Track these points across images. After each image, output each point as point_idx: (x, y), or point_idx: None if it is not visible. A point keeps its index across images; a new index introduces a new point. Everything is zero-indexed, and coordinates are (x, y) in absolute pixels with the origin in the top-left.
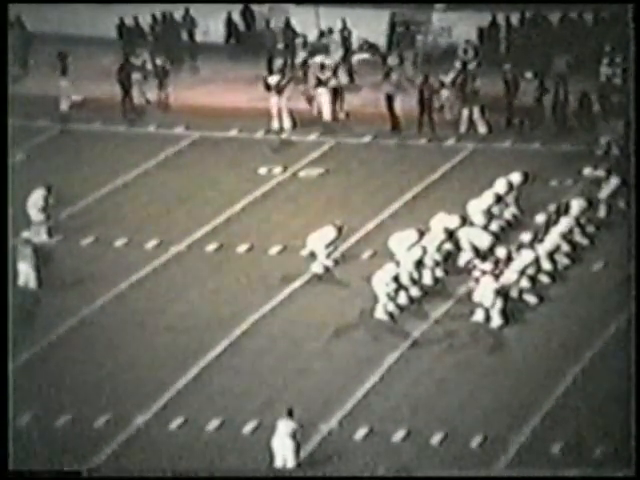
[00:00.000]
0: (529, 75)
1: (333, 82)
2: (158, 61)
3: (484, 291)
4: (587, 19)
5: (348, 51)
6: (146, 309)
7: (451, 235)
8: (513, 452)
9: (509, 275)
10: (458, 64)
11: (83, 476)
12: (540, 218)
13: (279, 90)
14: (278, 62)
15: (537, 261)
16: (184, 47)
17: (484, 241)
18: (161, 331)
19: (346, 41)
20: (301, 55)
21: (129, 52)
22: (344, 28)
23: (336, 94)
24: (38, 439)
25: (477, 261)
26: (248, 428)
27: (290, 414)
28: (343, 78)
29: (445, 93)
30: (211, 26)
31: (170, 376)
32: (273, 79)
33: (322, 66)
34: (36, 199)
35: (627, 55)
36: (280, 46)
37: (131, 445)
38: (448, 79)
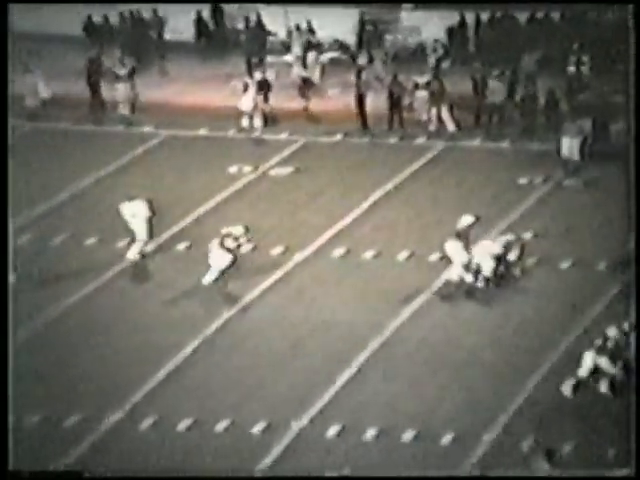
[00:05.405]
0: (497, 73)
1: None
2: (126, 60)
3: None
4: (554, 18)
5: (308, 49)
6: (116, 308)
7: None
8: (483, 450)
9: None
10: (432, 62)
11: (83, 476)
12: None
13: (258, 88)
14: (254, 60)
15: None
16: (153, 45)
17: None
18: (132, 330)
19: (308, 40)
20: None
21: (98, 50)
22: (299, 28)
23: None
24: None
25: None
26: (220, 427)
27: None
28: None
29: (421, 94)
30: (181, 24)
31: (141, 375)
32: (252, 77)
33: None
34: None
35: (594, 53)
36: (252, 45)
37: (104, 445)
38: (423, 80)
